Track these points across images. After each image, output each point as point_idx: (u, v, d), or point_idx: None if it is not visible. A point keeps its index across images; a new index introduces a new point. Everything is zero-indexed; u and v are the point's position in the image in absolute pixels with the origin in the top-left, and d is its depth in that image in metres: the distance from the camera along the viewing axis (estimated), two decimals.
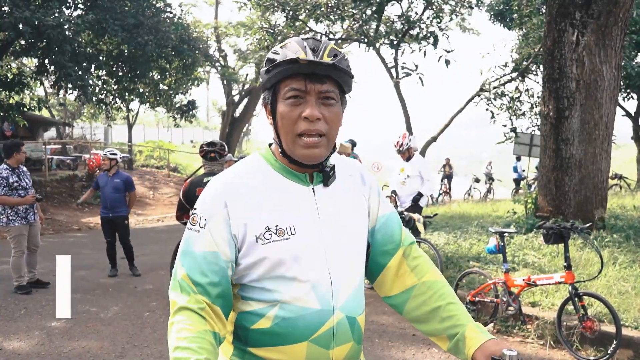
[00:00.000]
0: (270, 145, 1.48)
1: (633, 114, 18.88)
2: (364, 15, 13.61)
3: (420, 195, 7.32)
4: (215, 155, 5.44)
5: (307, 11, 13.88)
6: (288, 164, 1.41)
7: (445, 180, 21.84)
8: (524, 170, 20.91)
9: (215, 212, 1.35)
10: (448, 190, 21.45)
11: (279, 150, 1.41)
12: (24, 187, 6.78)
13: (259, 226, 1.34)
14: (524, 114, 14.77)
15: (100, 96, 19.65)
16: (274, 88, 1.38)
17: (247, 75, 28.92)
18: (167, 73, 20.65)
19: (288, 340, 1.34)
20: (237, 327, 1.39)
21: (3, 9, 14.15)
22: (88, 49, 17.70)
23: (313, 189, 1.42)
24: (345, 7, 13.59)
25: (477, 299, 5.19)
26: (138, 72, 19.07)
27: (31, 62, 23.89)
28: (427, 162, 8.09)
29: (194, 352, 1.17)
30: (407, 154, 7.48)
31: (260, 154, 1.47)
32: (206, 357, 1.18)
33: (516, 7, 14.10)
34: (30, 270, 7.06)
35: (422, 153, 13.69)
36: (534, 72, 14.65)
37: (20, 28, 13.96)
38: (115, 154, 7.77)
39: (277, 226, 1.35)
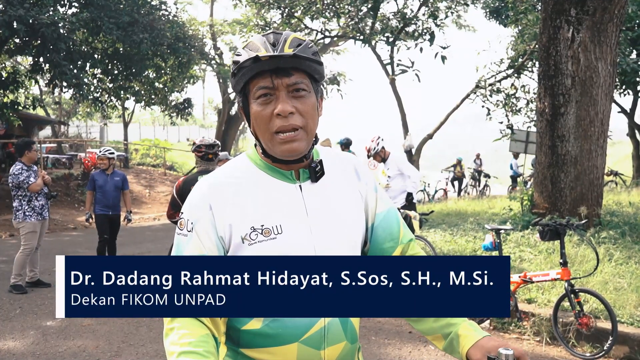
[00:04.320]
0: (255, 145, 1.46)
1: (628, 111, 18.92)
2: (359, 13, 13.60)
3: (410, 194, 7.34)
4: (213, 157, 5.48)
5: (302, 8, 13.87)
6: (272, 162, 1.39)
7: (456, 182, 21.00)
8: (519, 166, 20.87)
9: (201, 215, 1.34)
10: (453, 190, 20.70)
11: (261, 150, 1.40)
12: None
13: (244, 227, 1.33)
14: (519, 111, 14.78)
15: (95, 94, 19.59)
16: (243, 90, 1.36)
17: None
18: (162, 71, 20.60)
19: (278, 341, 1.33)
20: (229, 328, 1.39)
21: None
22: (83, 47, 17.64)
23: (300, 186, 1.40)
24: (341, 5, 13.58)
25: None
26: (133, 70, 19.02)
27: (26, 61, 23.79)
28: (404, 159, 8.10)
29: (202, 356, 1.17)
30: (380, 156, 7.51)
31: (247, 154, 1.46)
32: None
33: (511, 4, 14.10)
34: (32, 269, 7.06)
35: (419, 150, 13.69)
36: (530, 69, 14.66)
37: (15, 26, 13.88)
38: (113, 153, 7.82)
39: (262, 226, 1.33)
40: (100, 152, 7.77)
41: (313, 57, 1.32)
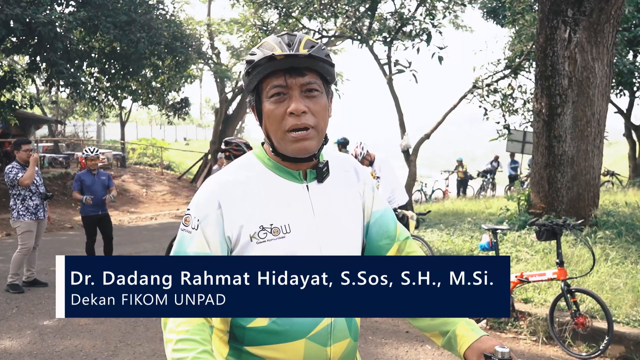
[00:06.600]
0: (263, 144, 1.47)
1: (625, 111, 18.97)
2: (357, 13, 13.60)
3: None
4: (230, 155, 5.48)
5: (300, 8, 13.86)
6: (281, 162, 1.41)
7: (457, 185, 20.79)
8: (514, 166, 20.84)
9: (208, 212, 1.34)
10: (461, 192, 20.50)
11: (271, 149, 1.41)
12: (35, 184, 6.87)
13: (253, 225, 1.34)
14: (516, 111, 14.81)
15: (92, 94, 19.53)
16: (256, 89, 1.38)
17: (240, 72, 28.77)
18: (159, 70, 20.55)
19: (285, 338, 1.34)
20: (233, 327, 1.39)
21: None
22: (80, 47, 17.58)
23: (307, 186, 1.42)
24: (339, 4, 13.58)
25: None
26: (130, 69, 18.96)
27: (22, 60, 23.71)
28: (387, 162, 8.14)
29: (199, 344, 1.19)
30: (367, 159, 7.54)
31: (254, 154, 1.47)
32: (210, 347, 1.21)
33: (509, 4, 14.12)
34: (29, 268, 7.05)
35: (416, 150, 13.71)
36: (527, 70, 14.69)
37: (11, 25, 13.84)
38: (99, 152, 7.78)
39: (271, 225, 1.35)
40: (89, 152, 7.48)
41: (326, 59, 1.34)
